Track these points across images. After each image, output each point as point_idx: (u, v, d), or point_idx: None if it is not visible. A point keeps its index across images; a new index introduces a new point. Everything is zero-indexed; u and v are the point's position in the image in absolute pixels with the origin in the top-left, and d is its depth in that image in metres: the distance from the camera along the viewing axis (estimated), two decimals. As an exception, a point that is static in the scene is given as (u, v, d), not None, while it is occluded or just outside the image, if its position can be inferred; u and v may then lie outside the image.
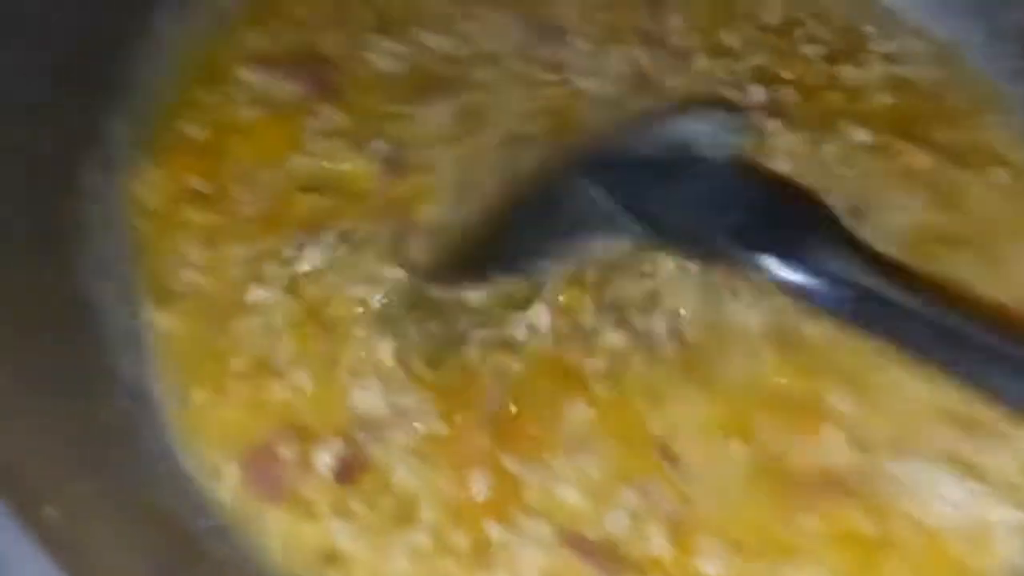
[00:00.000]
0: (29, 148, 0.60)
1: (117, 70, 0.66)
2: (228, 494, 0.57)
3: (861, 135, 0.69)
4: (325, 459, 0.58)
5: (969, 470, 0.59)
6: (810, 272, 0.60)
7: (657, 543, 0.57)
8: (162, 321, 0.61)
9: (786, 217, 0.63)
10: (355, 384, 0.60)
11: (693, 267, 0.63)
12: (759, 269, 0.61)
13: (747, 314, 0.62)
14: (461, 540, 0.56)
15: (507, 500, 0.57)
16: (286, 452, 0.58)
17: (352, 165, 0.67)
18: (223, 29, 0.71)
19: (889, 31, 0.76)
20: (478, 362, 0.60)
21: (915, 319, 0.58)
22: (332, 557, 0.56)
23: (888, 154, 0.69)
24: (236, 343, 0.60)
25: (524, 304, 0.62)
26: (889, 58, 0.74)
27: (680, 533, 0.57)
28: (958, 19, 0.76)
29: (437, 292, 0.62)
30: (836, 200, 0.66)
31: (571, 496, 0.58)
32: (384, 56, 0.71)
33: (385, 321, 0.61)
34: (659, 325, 0.62)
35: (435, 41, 0.72)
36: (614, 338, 0.61)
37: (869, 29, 0.76)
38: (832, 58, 0.74)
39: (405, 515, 0.57)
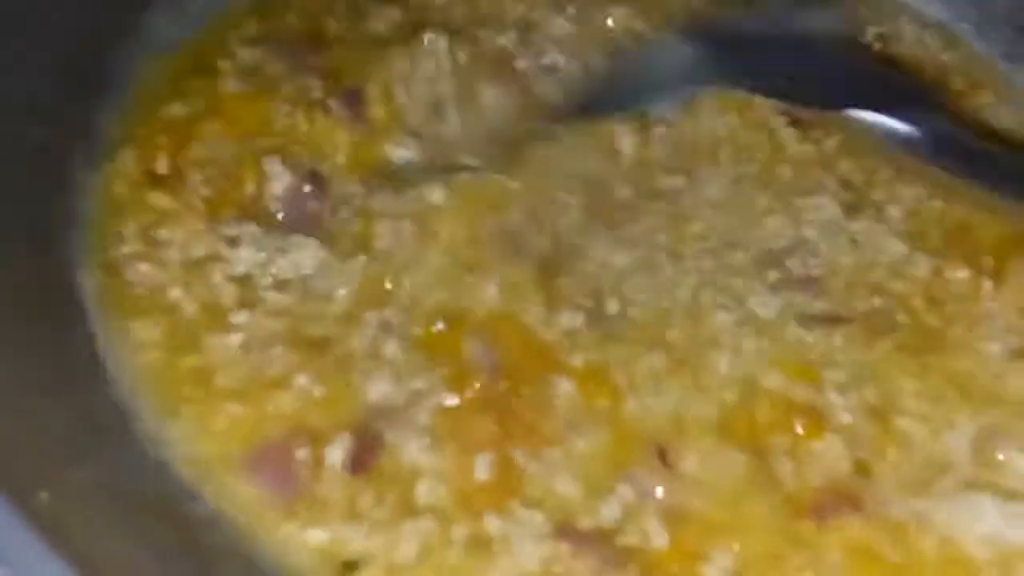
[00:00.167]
0: (24, 143, 0.59)
1: (113, 67, 0.66)
2: (230, 492, 0.55)
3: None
4: (336, 454, 0.56)
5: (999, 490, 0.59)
6: (911, 124, 0.69)
7: (654, 535, 0.56)
8: (131, 330, 0.59)
9: (887, 82, 0.74)
10: (367, 377, 0.58)
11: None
12: (865, 121, 0.70)
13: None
14: (463, 529, 0.55)
15: (508, 487, 0.56)
16: (299, 452, 0.56)
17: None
18: (221, 18, 0.71)
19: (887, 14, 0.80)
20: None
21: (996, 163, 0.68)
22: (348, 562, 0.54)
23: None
24: (216, 362, 0.58)
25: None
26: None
27: (676, 525, 0.56)
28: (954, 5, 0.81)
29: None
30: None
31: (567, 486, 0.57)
32: (380, 19, 0.72)
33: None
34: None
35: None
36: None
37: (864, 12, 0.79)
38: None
39: (412, 503, 0.55)
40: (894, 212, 0.68)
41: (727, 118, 0.70)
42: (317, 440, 0.56)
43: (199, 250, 0.62)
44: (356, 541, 0.54)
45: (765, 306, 0.63)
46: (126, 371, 0.57)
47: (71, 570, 0.44)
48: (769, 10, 0.76)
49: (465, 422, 0.57)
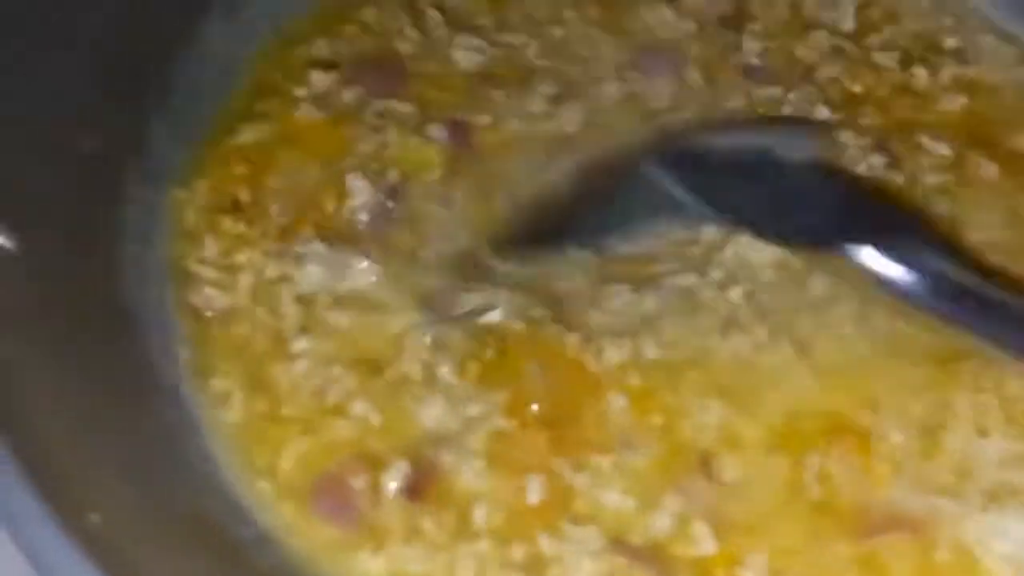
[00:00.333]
0: (76, 154, 0.59)
1: (165, 79, 0.66)
2: (288, 520, 0.55)
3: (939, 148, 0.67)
4: (394, 482, 0.56)
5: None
6: (909, 266, 0.59)
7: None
8: (195, 352, 0.60)
9: (880, 213, 0.64)
10: (420, 404, 0.58)
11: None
12: (857, 260, 0.60)
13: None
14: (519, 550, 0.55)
15: (559, 506, 0.56)
16: (358, 481, 0.56)
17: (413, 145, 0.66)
18: (284, 37, 0.71)
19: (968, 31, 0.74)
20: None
21: (1011, 316, 0.58)
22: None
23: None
24: (282, 389, 0.58)
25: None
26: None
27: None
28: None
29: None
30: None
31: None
32: (461, 51, 0.70)
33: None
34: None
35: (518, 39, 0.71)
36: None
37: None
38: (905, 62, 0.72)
39: (468, 526, 0.55)
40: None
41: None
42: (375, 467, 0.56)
43: (270, 272, 0.62)
44: (414, 564, 0.54)
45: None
46: (184, 392, 0.58)
47: (118, 591, 0.44)
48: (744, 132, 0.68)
49: (518, 443, 0.57)
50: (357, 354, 0.59)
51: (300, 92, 0.68)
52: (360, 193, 0.64)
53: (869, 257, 0.59)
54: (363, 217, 0.64)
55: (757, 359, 0.60)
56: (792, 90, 0.69)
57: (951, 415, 0.59)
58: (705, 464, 0.57)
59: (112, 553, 0.45)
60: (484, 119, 0.67)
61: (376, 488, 0.55)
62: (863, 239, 0.59)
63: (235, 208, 0.64)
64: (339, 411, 0.57)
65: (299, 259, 0.62)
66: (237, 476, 0.56)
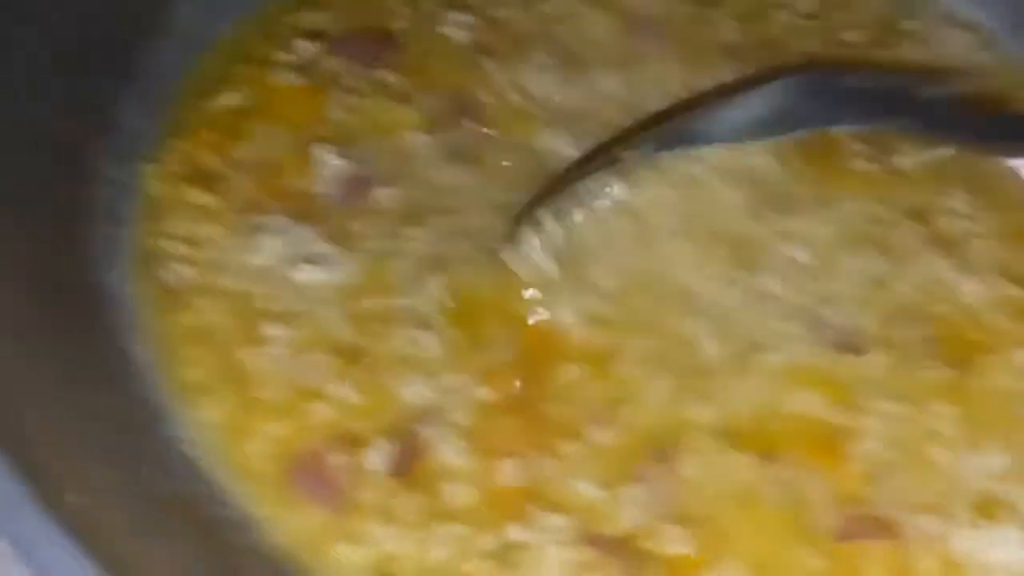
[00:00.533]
0: (48, 132, 0.59)
1: (139, 57, 0.65)
2: (261, 496, 0.55)
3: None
4: (376, 458, 0.56)
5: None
6: None
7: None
8: (162, 327, 0.59)
9: None
10: (401, 380, 0.58)
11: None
12: None
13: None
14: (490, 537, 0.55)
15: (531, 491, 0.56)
16: (337, 459, 0.56)
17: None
18: (266, 10, 0.70)
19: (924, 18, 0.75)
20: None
21: None
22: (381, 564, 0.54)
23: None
24: (254, 372, 0.58)
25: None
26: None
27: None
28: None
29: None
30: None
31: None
32: (453, 27, 0.70)
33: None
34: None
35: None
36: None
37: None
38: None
39: (447, 506, 0.55)
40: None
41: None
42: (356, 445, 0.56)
43: (235, 246, 0.61)
44: (389, 543, 0.54)
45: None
46: (158, 372, 0.57)
47: (97, 570, 0.44)
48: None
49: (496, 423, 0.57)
50: (326, 336, 0.59)
51: (281, 58, 0.68)
52: (330, 165, 0.64)
53: None
54: (333, 191, 0.64)
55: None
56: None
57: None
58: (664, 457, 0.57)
59: (92, 533, 0.45)
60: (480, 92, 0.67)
61: (358, 466, 0.55)
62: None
63: (201, 178, 0.63)
64: (317, 394, 0.57)
65: (256, 231, 0.61)
66: (216, 458, 0.55)
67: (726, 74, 0.69)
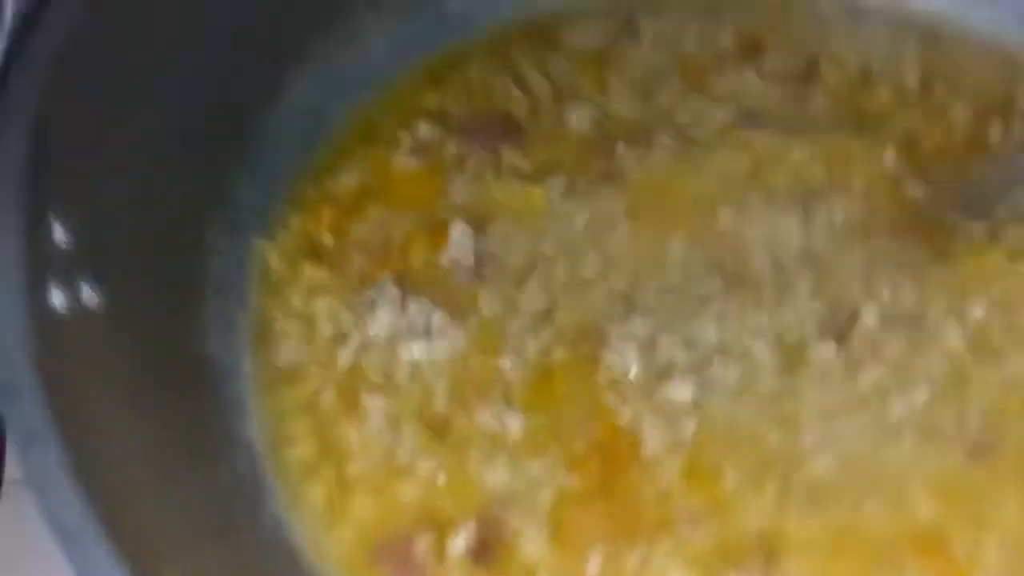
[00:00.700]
0: (162, 206, 0.60)
1: (255, 131, 0.67)
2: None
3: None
4: (460, 543, 0.56)
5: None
6: None
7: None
8: (270, 404, 0.60)
9: None
10: (485, 464, 0.58)
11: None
12: None
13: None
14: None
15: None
16: (422, 542, 0.56)
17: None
18: (385, 91, 0.72)
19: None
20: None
21: None
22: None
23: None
24: (352, 446, 0.59)
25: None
26: None
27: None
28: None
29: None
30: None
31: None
32: (574, 116, 0.71)
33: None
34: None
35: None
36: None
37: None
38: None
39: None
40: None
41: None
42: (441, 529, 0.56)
43: (348, 320, 0.62)
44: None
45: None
46: (264, 449, 0.59)
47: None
48: None
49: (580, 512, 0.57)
50: (425, 411, 0.60)
51: (403, 138, 0.69)
52: (455, 242, 0.65)
53: None
54: (454, 268, 0.64)
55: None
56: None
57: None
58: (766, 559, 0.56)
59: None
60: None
61: (441, 551, 0.56)
62: None
63: (317, 254, 0.65)
64: (407, 471, 0.58)
65: (372, 306, 0.62)
66: (304, 536, 0.56)
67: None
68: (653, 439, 0.59)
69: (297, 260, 0.65)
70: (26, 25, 0.56)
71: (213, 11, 0.64)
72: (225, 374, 0.60)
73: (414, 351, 0.61)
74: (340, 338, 0.62)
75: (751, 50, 0.74)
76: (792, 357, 0.61)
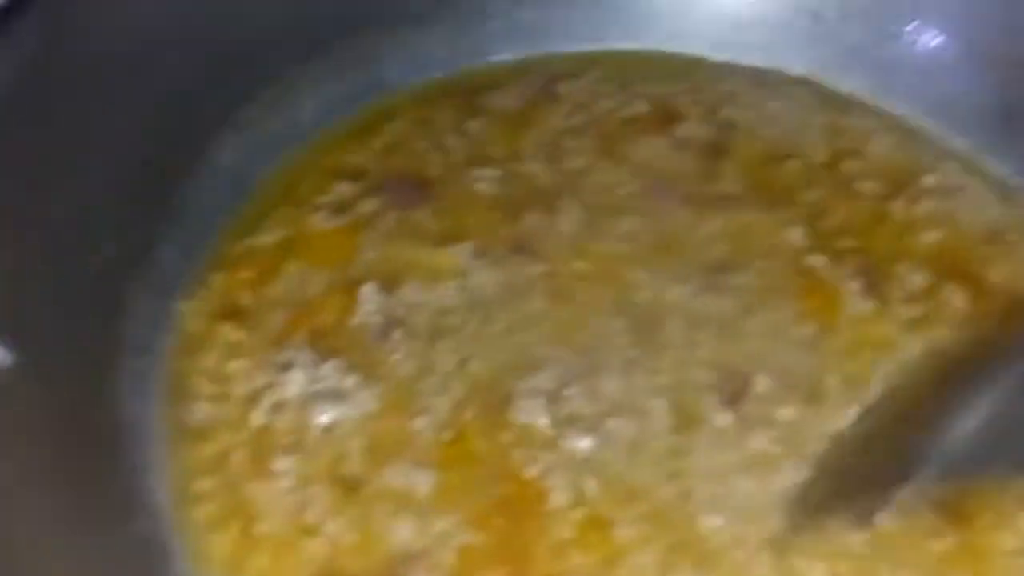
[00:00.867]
0: (82, 267, 0.61)
1: (178, 195, 0.68)
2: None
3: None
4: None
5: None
6: None
7: None
8: (179, 463, 0.61)
9: None
10: (392, 522, 0.59)
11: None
12: None
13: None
14: None
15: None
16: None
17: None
18: (310, 150, 0.74)
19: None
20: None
21: None
22: None
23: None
24: (260, 504, 0.60)
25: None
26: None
27: None
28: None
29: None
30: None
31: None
32: (484, 179, 0.72)
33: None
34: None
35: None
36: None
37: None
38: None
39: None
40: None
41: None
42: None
43: (259, 380, 0.64)
44: None
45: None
46: (171, 508, 0.60)
47: None
48: None
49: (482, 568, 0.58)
50: (336, 471, 0.61)
51: (320, 199, 0.71)
52: (366, 303, 0.66)
53: None
54: (365, 328, 0.66)
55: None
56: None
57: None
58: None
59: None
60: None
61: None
62: None
63: (235, 313, 0.66)
64: (314, 530, 0.59)
65: (286, 366, 0.64)
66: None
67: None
68: (557, 492, 0.60)
69: (215, 320, 0.66)
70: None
71: (144, 78, 0.66)
72: (137, 433, 0.61)
73: (327, 412, 0.63)
74: (253, 398, 0.63)
75: (665, 120, 0.77)
76: (687, 416, 0.63)
